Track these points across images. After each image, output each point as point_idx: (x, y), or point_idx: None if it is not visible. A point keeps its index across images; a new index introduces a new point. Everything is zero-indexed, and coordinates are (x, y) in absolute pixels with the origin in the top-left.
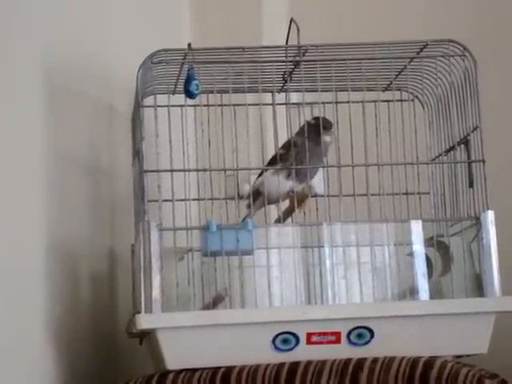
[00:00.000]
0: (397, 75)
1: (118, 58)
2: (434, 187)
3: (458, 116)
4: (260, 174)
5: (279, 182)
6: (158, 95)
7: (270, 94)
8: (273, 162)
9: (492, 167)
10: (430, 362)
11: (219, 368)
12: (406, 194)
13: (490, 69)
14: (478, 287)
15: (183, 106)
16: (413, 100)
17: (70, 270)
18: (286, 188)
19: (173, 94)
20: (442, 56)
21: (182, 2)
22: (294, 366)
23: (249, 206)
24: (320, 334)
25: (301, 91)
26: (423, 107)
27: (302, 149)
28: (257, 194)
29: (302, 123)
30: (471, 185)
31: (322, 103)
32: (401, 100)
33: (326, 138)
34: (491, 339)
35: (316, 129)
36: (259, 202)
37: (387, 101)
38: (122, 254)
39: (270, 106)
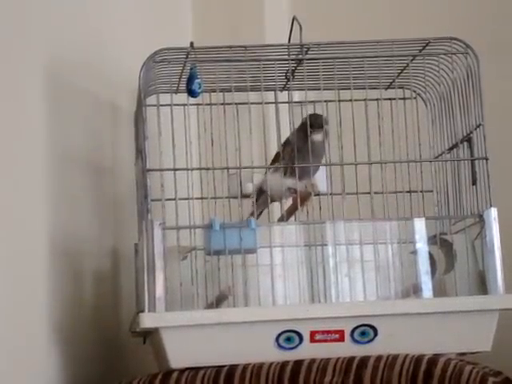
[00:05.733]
0: (399, 73)
1: (121, 56)
2: (437, 185)
3: (460, 113)
4: (266, 173)
5: (280, 180)
6: (160, 94)
7: (273, 92)
8: (276, 159)
9: (495, 165)
10: (433, 360)
11: (223, 367)
12: (409, 191)
13: (493, 66)
14: (482, 285)
15: (186, 104)
16: (415, 98)
17: (74, 269)
18: (285, 186)
19: (175, 93)
20: (444, 54)
21: (184, 0)
22: (298, 364)
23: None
24: (323, 332)
25: (303, 90)
26: (426, 105)
27: (296, 146)
28: (260, 192)
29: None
30: (474, 182)
31: (325, 101)
32: (403, 98)
33: (316, 137)
34: (495, 337)
35: (306, 127)
36: (262, 200)
37: (390, 99)
38: (125, 253)
39: (273, 105)
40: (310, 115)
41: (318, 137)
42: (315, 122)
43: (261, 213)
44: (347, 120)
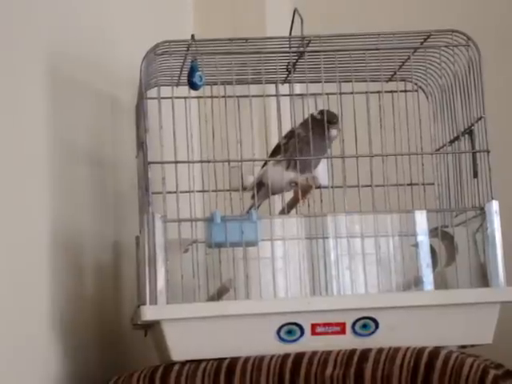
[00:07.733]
0: (400, 66)
1: (122, 49)
2: (439, 178)
3: (462, 106)
4: (264, 165)
5: (281, 173)
6: (161, 87)
7: (274, 85)
8: (276, 152)
9: (496, 157)
10: (434, 353)
11: (224, 359)
12: (411, 184)
13: (494, 58)
14: (483, 277)
15: (187, 97)
16: (417, 90)
17: (75, 262)
18: (287, 178)
19: (176, 86)
20: (445, 46)
21: None
22: (299, 356)
23: (253, 197)
24: (325, 324)
25: (304, 82)
26: (427, 97)
27: (304, 140)
28: (260, 184)
29: (305, 114)
30: (476, 175)
31: (326, 94)
32: (405, 91)
33: (333, 132)
34: (496, 329)
35: (322, 123)
36: (262, 193)
37: (391, 91)
38: (126, 246)
39: (274, 98)
40: (326, 111)
41: (334, 132)
42: (333, 118)
43: (258, 206)
44: (348, 113)
